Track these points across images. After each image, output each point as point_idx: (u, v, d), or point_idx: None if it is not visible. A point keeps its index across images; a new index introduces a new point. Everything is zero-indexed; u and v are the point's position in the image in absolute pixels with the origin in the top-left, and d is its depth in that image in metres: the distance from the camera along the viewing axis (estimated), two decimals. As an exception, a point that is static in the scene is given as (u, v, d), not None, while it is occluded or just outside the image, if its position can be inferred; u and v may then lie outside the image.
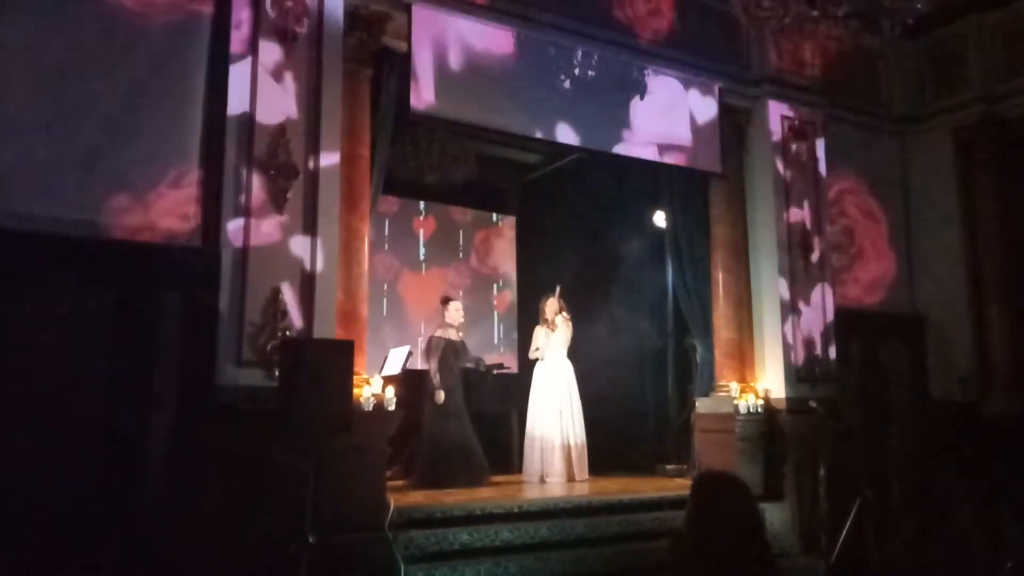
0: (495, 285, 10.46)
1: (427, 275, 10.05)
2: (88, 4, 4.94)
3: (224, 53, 5.21)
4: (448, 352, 7.18)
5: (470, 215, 10.43)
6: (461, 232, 10.36)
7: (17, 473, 4.29)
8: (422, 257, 10.07)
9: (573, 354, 7.69)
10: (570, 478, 7.23)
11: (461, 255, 10.30)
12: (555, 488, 6.93)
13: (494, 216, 10.62)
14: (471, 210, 10.40)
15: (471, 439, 7.08)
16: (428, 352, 7.27)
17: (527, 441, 7.47)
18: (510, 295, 10.46)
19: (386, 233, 9.79)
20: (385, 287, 9.67)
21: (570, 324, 7.65)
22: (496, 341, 10.24)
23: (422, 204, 10.06)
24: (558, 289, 7.71)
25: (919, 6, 4.55)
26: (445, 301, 7.59)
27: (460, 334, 7.44)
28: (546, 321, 7.67)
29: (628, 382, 8.86)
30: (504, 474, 7.52)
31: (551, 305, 7.67)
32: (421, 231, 10.13)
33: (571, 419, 7.40)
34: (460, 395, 7.20)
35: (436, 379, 6.99)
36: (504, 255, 10.54)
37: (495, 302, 10.38)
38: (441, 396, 6.95)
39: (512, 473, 7.63)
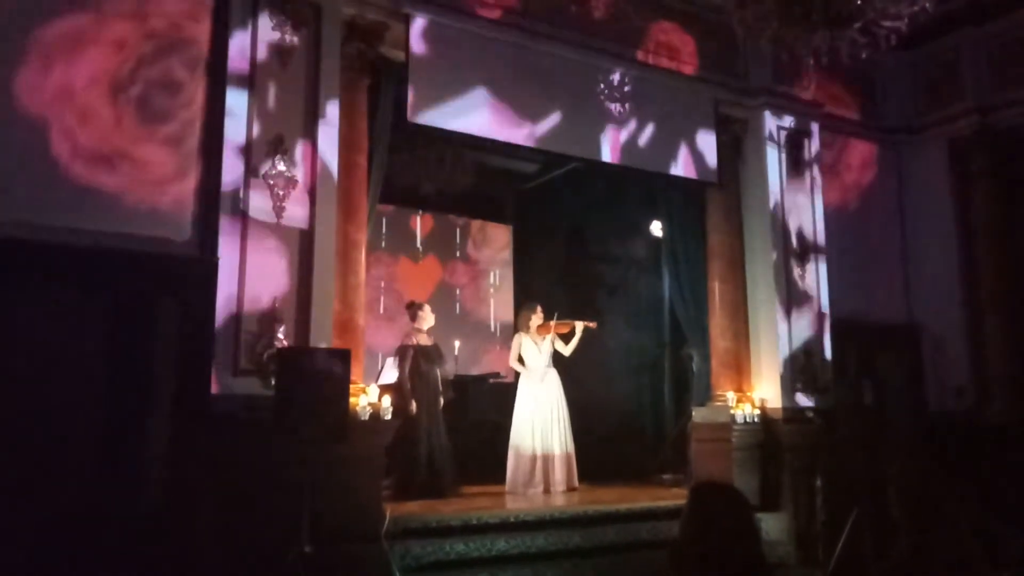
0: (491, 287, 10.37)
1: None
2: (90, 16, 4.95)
3: (222, 64, 5.23)
4: (419, 359, 6.94)
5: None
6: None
7: (14, 480, 4.28)
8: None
9: (572, 363, 7.61)
10: (570, 487, 7.16)
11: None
12: (552, 498, 6.88)
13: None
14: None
15: (440, 450, 6.81)
16: (400, 361, 6.99)
17: (516, 452, 7.17)
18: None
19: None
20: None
21: (557, 338, 7.49)
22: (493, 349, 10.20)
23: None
24: (556, 315, 7.43)
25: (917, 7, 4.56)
26: (413, 306, 7.30)
27: (431, 339, 7.22)
28: (530, 332, 7.41)
29: (625, 391, 8.86)
30: (501, 484, 7.47)
31: (535, 321, 7.41)
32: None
33: (567, 427, 7.31)
34: (436, 403, 6.93)
35: (407, 389, 6.74)
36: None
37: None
38: (414, 407, 6.70)
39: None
